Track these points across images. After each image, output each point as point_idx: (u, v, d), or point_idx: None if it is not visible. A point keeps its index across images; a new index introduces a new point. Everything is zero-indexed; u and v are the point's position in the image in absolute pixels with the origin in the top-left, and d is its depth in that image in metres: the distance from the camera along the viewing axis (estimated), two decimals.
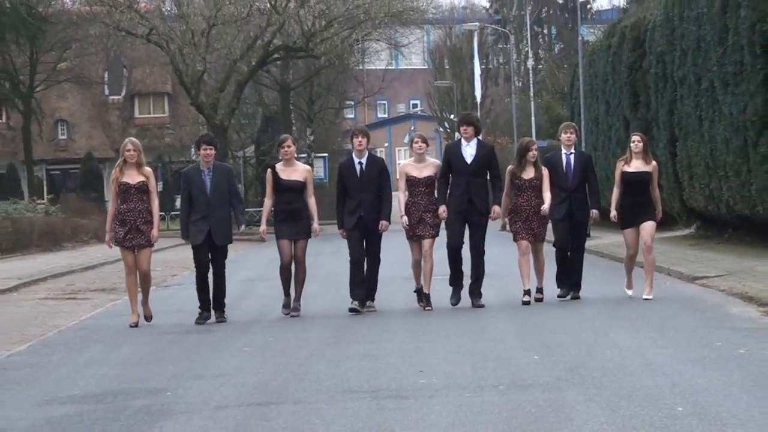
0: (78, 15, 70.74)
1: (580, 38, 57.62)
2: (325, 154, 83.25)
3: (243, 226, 20.55)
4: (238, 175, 65.43)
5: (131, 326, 19.79)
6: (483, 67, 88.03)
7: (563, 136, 21.30)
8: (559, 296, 21.10)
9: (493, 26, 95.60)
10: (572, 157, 21.09)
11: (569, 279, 21.17)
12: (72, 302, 25.85)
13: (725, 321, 18.53)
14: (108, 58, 78.42)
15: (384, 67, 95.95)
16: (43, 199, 68.38)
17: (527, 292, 20.61)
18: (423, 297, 20.44)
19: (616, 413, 11.53)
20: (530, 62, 79.22)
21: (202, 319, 19.95)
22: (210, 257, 20.02)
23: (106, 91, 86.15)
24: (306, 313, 20.28)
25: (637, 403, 11.95)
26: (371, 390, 13.37)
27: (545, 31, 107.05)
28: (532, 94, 71.26)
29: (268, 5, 65.10)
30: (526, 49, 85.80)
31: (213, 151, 20.07)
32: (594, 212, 21.06)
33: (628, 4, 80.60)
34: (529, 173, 20.47)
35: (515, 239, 20.74)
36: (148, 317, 20.13)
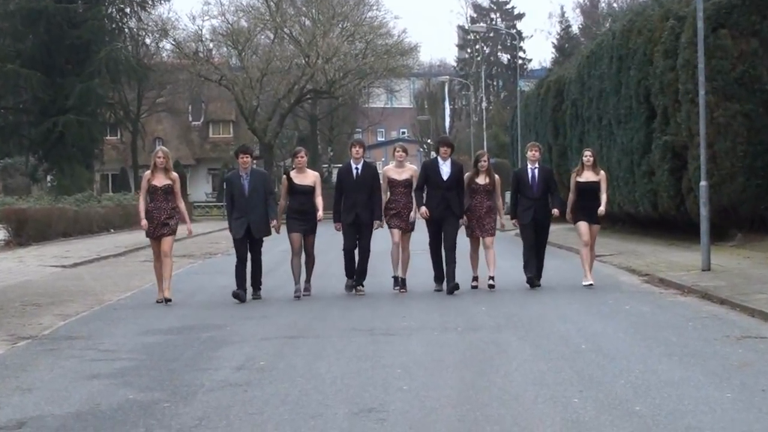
0: (171, 65, 70.77)
1: (518, 89, 57.73)
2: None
3: (275, 221, 17.29)
4: (280, 178, 65.31)
5: (158, 302, 16.96)
6: (451, 107, 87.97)
7: (528, 153, 18.61)
8: (527, 281, 18.13)
9: (459, 79, 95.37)
10: (536, 170, 18.33)
11: (534, 267, 18.21)
12: None
13: (616, 286, 18.47)
14: (191, 95, 78.27)
15: (382, 106, 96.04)
16: None
17: (475, 278, 18.10)
18: (399, 281, 17.93)
19: (538, 348, 11.48)
20: (484, 104, 78.98)
21: (237, 292, 17.03)
22: (249, 247, 17.34)
23: (190, 118, 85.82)
24: (324, 276, 20.06)
25: (553, 342, 11.90)
26: (369, 329, 13.31)
27: (494, 83, 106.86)
28: (484, 127, 71.06)
29: (303, 61, 65.14)
30: (481, 95, 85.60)
31: (249, 158, 17.26)
32: (555, 211, 18.36)
33: (552, 65, 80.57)
34: (482, 179, 17.97)
35: (468, 235, 18.22)
36: (167, 300, 16.84)
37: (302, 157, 17.64)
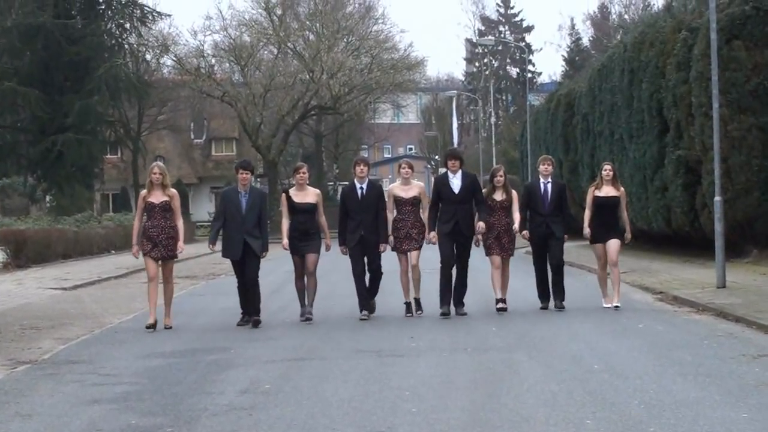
0: (172, 81, 70.83)
1: (528, 103, 57.83)
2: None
3: (264, 253, 16.76)
4: None
5: (147, 327, 16.23)
6: (459, 122, 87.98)
7: (541, 167, 18.07)
8: (542, 308, 17.81)
9: (467, 93, 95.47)
10: (548, 185, 17.84)
11: (549, 296, 17.93)
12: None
13: (629, 304, 18.44)
14: (193, 112, 78.37)
15: (389, 122, 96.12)
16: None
17: (500, 300, 17.51)
18: (414, 302, 17.40)
19: (550, 369, 11.50)
20: (492, 119, 79.07)
21: (243, 322, 16.77)
22: (245, 266, 16.74)
23: (192, 136, 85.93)
24: (330, 297, 20.06)
25: (565, 362, 11.92)
26: (376, 350, 13.33)
27: (503, 98, 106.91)
28: (493, 142, 71.15)
29: (308, 77, 65.22)
30: (490, 110, 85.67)
31: (249, 175, 16.72)
32: (564, 236, 17.77)
33: (562, 79, 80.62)
34: (499, 195, 17.45)
35: (488, 254, 17.55)
36: (167, 326, 16.50)
37: (304, 173, 17.26)
